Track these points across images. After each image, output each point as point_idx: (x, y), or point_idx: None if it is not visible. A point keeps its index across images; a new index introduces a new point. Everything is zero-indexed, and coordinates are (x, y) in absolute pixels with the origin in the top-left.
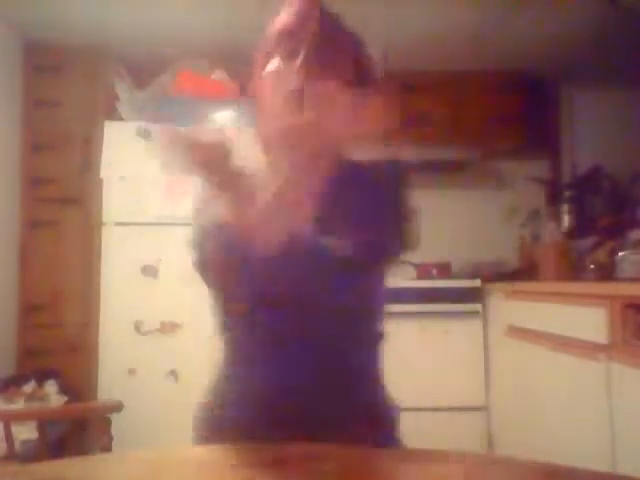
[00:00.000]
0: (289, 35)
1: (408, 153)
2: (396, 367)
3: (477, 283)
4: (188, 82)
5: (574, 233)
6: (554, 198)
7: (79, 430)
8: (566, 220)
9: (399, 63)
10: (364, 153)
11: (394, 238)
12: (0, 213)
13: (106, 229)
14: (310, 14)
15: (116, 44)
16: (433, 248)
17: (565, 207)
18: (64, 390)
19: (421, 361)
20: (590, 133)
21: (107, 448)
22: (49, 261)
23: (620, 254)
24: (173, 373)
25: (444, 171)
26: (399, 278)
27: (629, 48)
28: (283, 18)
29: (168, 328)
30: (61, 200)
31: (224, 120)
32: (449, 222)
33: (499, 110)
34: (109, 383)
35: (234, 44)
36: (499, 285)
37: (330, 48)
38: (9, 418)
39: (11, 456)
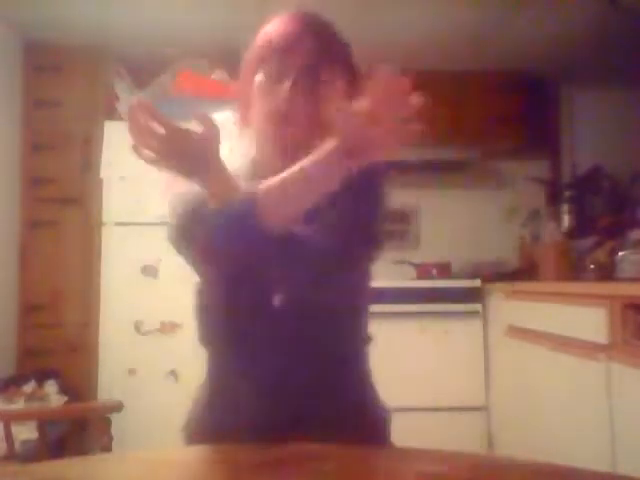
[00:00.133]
0: (278, 56)
1: (408, 153)
2: (396, 367)
3: (477, 283)
4: (188, 82)
5: (574, 233)
6: (554, 198)
7: (79, 430)
8: (566, 220)
9: (399, 63)
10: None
11: (366, 233)
12: (0, 213)
13: (106, 229)
14: (301, 37)
15: (116, 44)
16: (433, 248)
17: (565, 207)
18: (64, 390)
19: (421, 361)
20: (590, 133)
21: (107, 448)
22: (49, 261)
23: (620, 254)
24: (173, 373)
25: (444, 171)
26: (399, 278)
27: (629, 48)
28: (272, 36)
29: (168, 328)
30: (61, 200)
31: (224, 120)
32: (449, 222)
33: (499, 110)
34: (109, 383)
35: (234, 44)
36: (499, 285)
37: (322, 67)
38: (9, 418)
39: (11, 456)
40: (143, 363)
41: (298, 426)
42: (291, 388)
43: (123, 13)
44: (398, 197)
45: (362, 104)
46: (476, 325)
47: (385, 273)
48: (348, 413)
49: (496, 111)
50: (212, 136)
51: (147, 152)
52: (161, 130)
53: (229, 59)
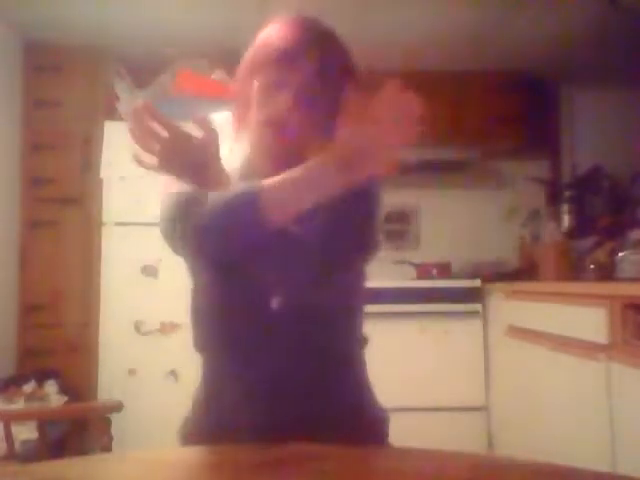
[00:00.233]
0: (278, 66)
1: (408, 153)
2: (396, 367)
3: (477, 283)
4: (188, 82)
5: (574, 233)
6: (554, 198)
7: (79, 430)
8: (566, 220)
9: (399, 63)
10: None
11: (361, 235)
12: (0, 213)
13: (106, 229)
14: (302, 49)
15: (116, 44)
16: (433, 248)
17: (565, 207)
18: (64, 390)
19: (421, 361)
20: (590, 133)
21: (107, 448)
22: (49, 261)
23: (620, 254)
24: (173, 373)
25: (444, 171)
26: (399, 278)
27: (629, 48)
28: (273, 44)
29: (168, 328)
30: (61, 200)
31: (224, 120)
32: (449, 222)
33: (499, 110)
34: (109, 383)
35: (234, 44)
36: (499, 285)
37: (322, 79)
38: (9, 418)
39: (11, 456)
40: (143, 363)
41: (294, 427)
42: (287, 390)
43: (123, 13)
44: (398, 197)
45: (367, 122)
46: (476, 325)
47: (385, 273)
48: (344, 414)
49: (496, 111)
50: (211, 140)
51: (148, 159)
52: (164, 133)
53: (229, 59)
